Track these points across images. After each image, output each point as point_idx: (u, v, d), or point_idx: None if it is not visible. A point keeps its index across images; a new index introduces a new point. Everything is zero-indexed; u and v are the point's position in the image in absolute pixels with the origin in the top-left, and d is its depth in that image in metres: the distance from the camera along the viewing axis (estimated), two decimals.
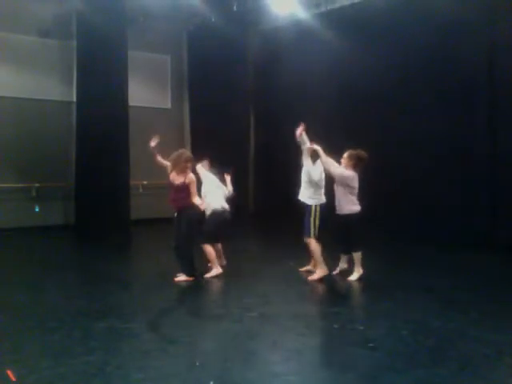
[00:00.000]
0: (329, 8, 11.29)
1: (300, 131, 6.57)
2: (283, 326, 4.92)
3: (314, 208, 6.62)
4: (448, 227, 9.24)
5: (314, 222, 6.61)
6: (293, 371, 3.89)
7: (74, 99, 11.43)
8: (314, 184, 6.63)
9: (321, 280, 6.59)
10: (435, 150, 9.54)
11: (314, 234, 6.62)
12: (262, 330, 4.83)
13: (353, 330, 4.78)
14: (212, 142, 11.34)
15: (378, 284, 6.57)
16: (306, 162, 6.64)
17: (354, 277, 6.62)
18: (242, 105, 13.04)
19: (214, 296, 6.33)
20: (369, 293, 6.24)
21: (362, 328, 4.83)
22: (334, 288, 6.54)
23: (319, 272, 6.64)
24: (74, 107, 11.43)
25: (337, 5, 11.18)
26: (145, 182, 12.56)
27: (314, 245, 6.63)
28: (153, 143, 6.81)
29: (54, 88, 11.78)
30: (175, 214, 6.65)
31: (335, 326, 4.98)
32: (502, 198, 8.75)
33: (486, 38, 8.89)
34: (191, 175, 6.49)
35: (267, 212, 12.89)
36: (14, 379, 3.65)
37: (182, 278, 6.56)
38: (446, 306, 5.48)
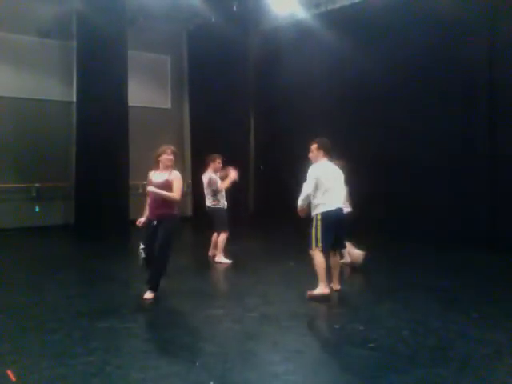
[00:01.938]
0: (329, 8, 11.32)
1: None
2: (283, 326, 4.92)
3: (314, 217, 5.87)
4: (448, 227, 9.24)
5: (315, 232, 5.82)
6: (293, 371, 3.89)
7: (74, 99, 11.43)
8: (312, 187, 5.86)
9: (319, 299, 5.74)
10: (435, 149, 9.54)
11: (317, 246, 5.79)
12: (262, 330, 4.83)
13: (353, 330, 4.78)
14: (212, 142, 11.32)
15: (379, 284, 6.57)
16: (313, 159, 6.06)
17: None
18: (242, 105, 13.03)
19: (214, 296, 6.31)
20: (369, 293, 6.23)
21: (361, 328, 4.82)
22: (334, 288, 6.52)
23: (319, 290, 5.82)
24: (74, 107, 11.42)
25: (337, 5, 11.20)
26: (145, 182, 12.44)
27: (317, 258, 5.80)
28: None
29: (54, 88, 11.79)
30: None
31: (335, 326, 4.99)
32: (502, 198, 8.75)
33: (486, 38, 8.89)
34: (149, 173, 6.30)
35: (267, 212, 12.89)
36: (13, 379, 3.65)
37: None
38: (447, 306, 5.48)
